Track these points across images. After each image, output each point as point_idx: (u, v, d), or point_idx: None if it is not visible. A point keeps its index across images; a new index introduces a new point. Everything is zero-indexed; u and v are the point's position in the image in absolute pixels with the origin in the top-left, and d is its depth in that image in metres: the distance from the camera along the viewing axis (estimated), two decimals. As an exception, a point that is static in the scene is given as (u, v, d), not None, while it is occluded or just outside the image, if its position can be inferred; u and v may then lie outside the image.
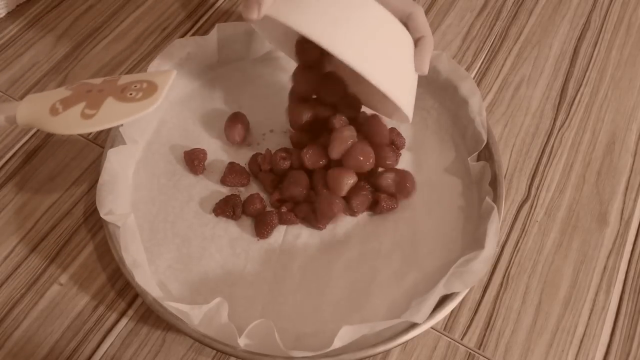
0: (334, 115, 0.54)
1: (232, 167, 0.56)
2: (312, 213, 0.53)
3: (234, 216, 0.54)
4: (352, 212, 0.54)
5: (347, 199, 0.54)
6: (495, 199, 0.52)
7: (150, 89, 0.46)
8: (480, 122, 0.56)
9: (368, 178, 0.55)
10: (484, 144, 0.55)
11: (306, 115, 0.55)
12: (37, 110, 0.46)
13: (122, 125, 0.55)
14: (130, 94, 0.46)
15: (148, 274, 0.50)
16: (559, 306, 0.52)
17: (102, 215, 0.50)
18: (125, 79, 0.48)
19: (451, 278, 0.48)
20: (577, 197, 0.58)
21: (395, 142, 0.57)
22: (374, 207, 0.55)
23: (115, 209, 0.51)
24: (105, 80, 0.49)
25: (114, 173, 0.54)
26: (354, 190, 0.53)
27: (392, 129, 0.57)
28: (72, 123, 0.45)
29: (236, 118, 0.58)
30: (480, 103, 0.57)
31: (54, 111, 0.45)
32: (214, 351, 0.49)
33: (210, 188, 0.56)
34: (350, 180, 0.53)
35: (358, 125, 0.55)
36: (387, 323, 0.46)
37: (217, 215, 0.55)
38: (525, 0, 0.73)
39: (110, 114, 0.45)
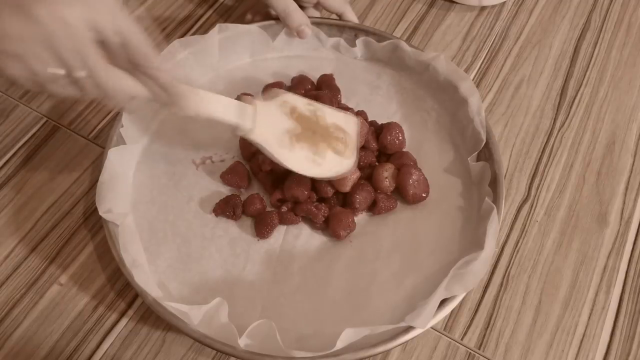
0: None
1: (235, 166, 0.56)
2: (326, 223, 0.54)
3: (234, 216, 0.54)
4: (354, 209, 0.54)
5: (349, 195, 0.54)
6: (495, 198, 0.52)
7: (347, 141, 0.53)
8: (480, 122, 0.56)
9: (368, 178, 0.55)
10: (483, 143, 0.55)
11: None
12: (269, 136, 0.50)
13: (122, 126, 0.56)
14: (339, 146, 0.52)
15: (148, 273, 0.50)
16: (559, 306, 0.52)
17: (101, 214, 0.50)
18: (328, 116, 0.53)
19: (451, 281, 0.48)
20: (577, 197, 0.58)
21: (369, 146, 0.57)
22: (372, 207, 0.55)
23: (114, 208, 0.51)
24: (311, 111, 0.53)
25: (114, 172, 0.54)
26: (356, 186, 0.54)
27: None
28: (299, 164, 0.51)
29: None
30: (479, 103, 0.57)
31: (284, 144, 0.51)
32: (214, 351, 0.49)
33: (211, 188, 0.56)
34: (353, 176, 0.53)
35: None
36: (388, 327, 0.46)
37: (217, 215, 0.55)
38: (525, 0, 0.73)
39: (329, 167, 0.52)
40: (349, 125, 0.54)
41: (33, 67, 0.39)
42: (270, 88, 0.59)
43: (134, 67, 0.42)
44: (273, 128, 0.51)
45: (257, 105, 0.50)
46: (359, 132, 0.54)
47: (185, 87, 0.46)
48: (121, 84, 0.42)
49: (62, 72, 0.39)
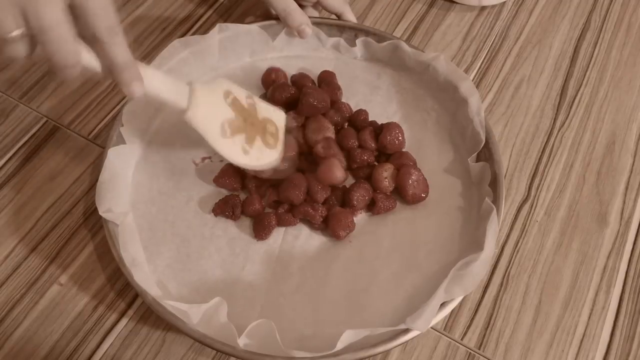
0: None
1: (226, 169, 0.55)
2: (325, 223, 0.54)
3: (233, 216, 0.54)
4: (353, 207, 0.54)
5: (347, 192, 0.54)
6: (495, 198, 0.52)
7: (277, 135, 0.54)
8: (479, 122, 0.56)
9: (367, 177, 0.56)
10: (483, 144, 0.55)
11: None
12: (208, 122, 0.50)
13: (122, 125, 0.56)
14: (270, 140, 0.53)
15: (147, 273, 0.50)
16: (559, 306, 0.52)
17: (100, 213, 0.50)
18: (261, 110, 0.54)
19: (451, 283, 0.48)
20: (577, 197, 0.58)
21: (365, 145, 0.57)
22: (372, 207, 0.55)
23: (114, 208, 0.51)
24: (250, 104, 0.53)
25: (114, 172, 0.54)
26: (354, 185, 0.54)
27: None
28: (234, 153, 0.51)
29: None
30: (479, 103, 0.57)
31: (223, 132, 0.50)
32: (214, 351, 0.49)
33: (210, 188, 0.56)
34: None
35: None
36: (388, 329, 0.46)
37: (216, 215, 0.55)
38: (525, 0, 0.73)
39: (258, 157, 0.52)
40: (279, 119, 0.55)
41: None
42: (271, 72, 0.61)
43: (89, 36, 0.41)
44: (214, 115, 0.50)
45: (197, 89, 0.49)
46: (284, 126, 0.55)
47: (133, 62, 0.44)
48: (69, 49, 0.40)
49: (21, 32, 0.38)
